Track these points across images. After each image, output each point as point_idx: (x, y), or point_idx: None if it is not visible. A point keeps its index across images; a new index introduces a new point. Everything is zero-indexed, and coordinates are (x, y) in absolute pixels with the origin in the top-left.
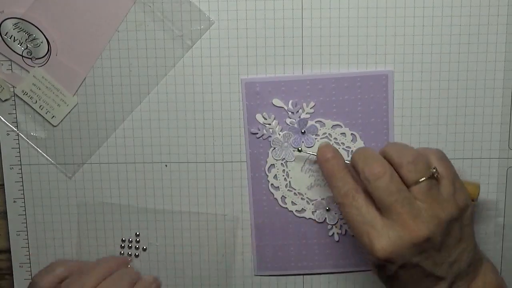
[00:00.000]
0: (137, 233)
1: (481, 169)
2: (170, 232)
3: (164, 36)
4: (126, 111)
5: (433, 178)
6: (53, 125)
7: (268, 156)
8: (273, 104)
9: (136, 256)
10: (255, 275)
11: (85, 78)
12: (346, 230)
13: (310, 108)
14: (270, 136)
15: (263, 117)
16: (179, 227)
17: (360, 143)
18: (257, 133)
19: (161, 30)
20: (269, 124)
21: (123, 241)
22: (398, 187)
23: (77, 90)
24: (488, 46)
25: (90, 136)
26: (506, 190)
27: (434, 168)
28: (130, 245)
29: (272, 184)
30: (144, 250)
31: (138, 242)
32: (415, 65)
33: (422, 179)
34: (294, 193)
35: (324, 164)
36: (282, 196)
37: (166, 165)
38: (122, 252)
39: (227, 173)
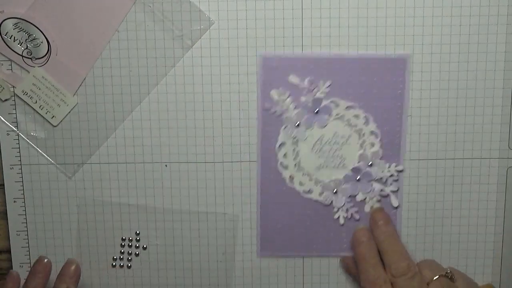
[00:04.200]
0: (137, 232)
1: (481, 169)
2: (170, 231)
3: (164, 36)
4: (126, 111)
5: (448, 278)
6: (53, 125)
7: (279, 134)
8: (289, 81)
9: (137, 255)
10: (257, 256)
11: (85, 78)
12: (352, 214)
13: (326, 88)
14: (282, 114)
15: (278, 93)
16: (179, 227)
17: (372, 126)
18: (270, 109)
19: (161, 30)
20: (283, 101)
21: (123, 240)
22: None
23: (77, 90)
24: (488, 46)
25: (90, 136)
26: (506, 190)
27: (448, 270)
28: (130, 244)
29: (281, 162)
30: (144, 249)
31: (138, 241)
32: (415, 65)
33: (437, 277)
34: (303, 173)
35: (358, 246)
36: (290, 175)
37: (166, 165)
38: (122, 250)
39: (227, 173)
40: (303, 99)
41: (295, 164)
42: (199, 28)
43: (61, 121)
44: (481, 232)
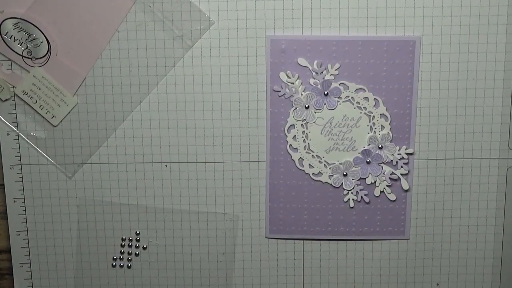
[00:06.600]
0: (137, 232)
1: (481, 169)
2: (170, 231)
3: (164, 36)
4: (126, 111)
5: None
6: (53, 125)
7: (288, 116)
8: (298, 63)
9: (137, 255)
10: (265, 237)
11: (85, 78)
12: (361, 197)
13: (335, 70)
14: (292, 96)
15: (287, 75)
16: (179, 227)
17: (382, 109)
18: (280, 91)
19: (161, 30)
20: (292, 83)
21: (123, 240)
22: None
23: (77, 90)
24: (488, 46)
25: (90, 136)
26: (506, 190)
27: None
28: (130, 244)
29: (290, 145)
30: (144, 249)
31: (138, 241)
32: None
33: None
34: (312, 155)
35: None
36: (300, 158)
37: (166, 165)
38: (122, 250)
39: (227, 173)
40: (312, 81)
41: (304, 147)
42: (199, 28)
43: (61, 121)
44: (481, 232)
